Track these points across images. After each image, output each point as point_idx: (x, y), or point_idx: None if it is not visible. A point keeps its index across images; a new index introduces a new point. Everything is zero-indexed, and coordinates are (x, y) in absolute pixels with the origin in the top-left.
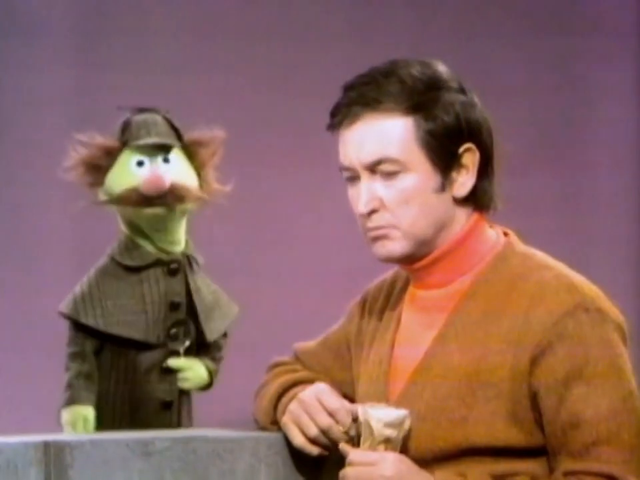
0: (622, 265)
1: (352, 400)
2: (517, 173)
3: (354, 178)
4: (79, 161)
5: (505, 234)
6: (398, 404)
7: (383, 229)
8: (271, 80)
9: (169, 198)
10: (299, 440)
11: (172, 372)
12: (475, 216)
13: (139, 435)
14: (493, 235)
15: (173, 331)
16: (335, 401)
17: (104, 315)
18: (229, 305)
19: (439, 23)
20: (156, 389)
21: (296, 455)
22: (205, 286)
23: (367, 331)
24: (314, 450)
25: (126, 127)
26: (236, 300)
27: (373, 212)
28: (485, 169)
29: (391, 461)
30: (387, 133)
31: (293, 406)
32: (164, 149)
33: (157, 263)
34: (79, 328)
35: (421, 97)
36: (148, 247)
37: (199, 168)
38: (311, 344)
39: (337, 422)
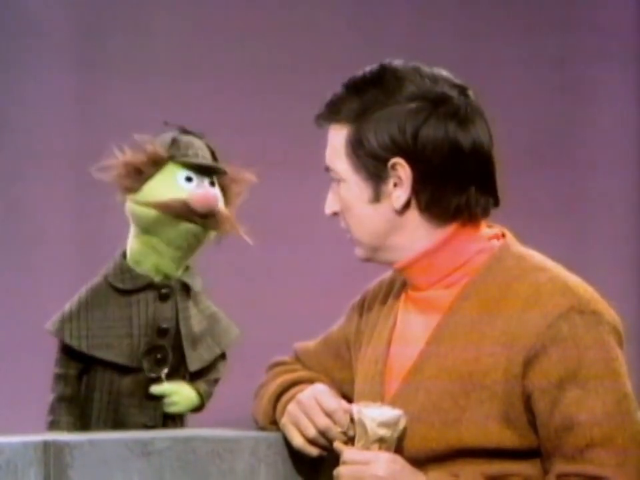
0: (622, 265)
1: (351, 400)
2: (517, 173)
3: None
4: (122, 162)
5: (503, 234)
6: (392, 404)
7: (347, 233)
8: (272, 81)
9: (212, 220)
10: (298, 441)
11: (155, 397)
12: (454, 225)
13: (139, 435)
14: (482, 237)
15: (159, 356)
16: (332, 401)
17: (88, 337)
18: (226, 331)
19: (439, 23)
20: (139, 413)
21: (295, 454)
22: (199, 312)
23: (366, 329)
24: (313, 451)
25: (174, 142)
26: (235, 300)
27: (336, 214)
28: (430, 180)
29: (384, 460)
30: (332, 143)
31: (292, 407)
32: (208, 174)
33: (149, 286)
34: (65, 348)
35: (357, 111)
36: (143, 270)
37: (225, 202)
38: (310, 344)
39: (335, 423)
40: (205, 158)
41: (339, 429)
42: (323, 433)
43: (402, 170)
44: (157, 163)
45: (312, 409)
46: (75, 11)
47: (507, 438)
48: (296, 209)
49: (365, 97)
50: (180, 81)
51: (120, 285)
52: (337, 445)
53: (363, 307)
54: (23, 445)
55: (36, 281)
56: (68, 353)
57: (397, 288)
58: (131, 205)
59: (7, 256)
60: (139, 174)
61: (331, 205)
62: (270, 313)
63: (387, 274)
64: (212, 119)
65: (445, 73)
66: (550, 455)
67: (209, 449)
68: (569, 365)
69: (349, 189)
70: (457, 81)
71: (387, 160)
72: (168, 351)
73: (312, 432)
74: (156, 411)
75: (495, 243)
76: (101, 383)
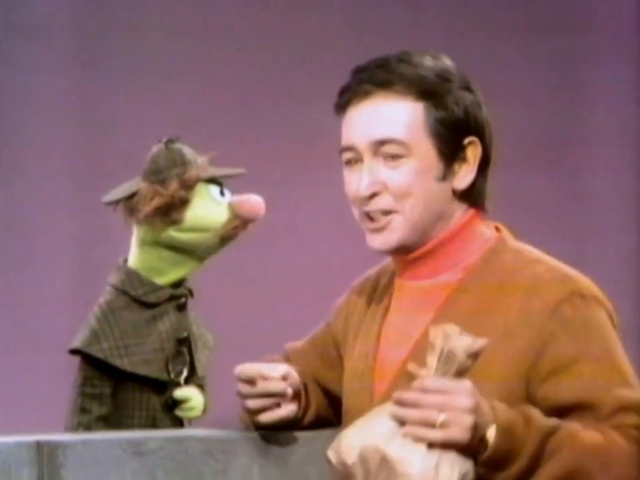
0: (622, 265)
1: (339, 399)
2: (517, 173)
3: (353, 160)
4: (169, 196)
5: (497, 229)
6: (384, 399)
7: (382, 221)
8: (272, 81)
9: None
10: (261, 418)
11: (175, 406)
12: (471, 211)
13: (132, 435)
14: (486, 230)
15: (179, 365)
16: (247, 366)
17: (128, 355)
18: (207, 335)
19: (438, 22)
20: (167, 425)
21: (290, 454)
22: (194, 318)
23: (352, 326)
24: (280, 413)
25: (184, 158)
26: (231, 301)
27: (374, 195)
28: (483, 167)
29: (470, 391)
30: (397, 115)
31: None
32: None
33: (170, 298)
34: (98, 367)
35: (434, 85)
36: (163, 281)
37: None
38: (299, 343)
39: (263, 377)
40: (207, 165)
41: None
42: (259, 395)
43: (474, 149)
44: (192, 187)
45: (241, 386)
46: (75, 11)
47: None
48: (287, 207)
49: (427, 73)
50: (180, 80)
51: (144, 299)
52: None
53: (349, 305)
54: (16, 444)
55: (34, 282)
56: (101, 371)
57: (383, 283)
58: (177, 235)
59: (2, 256)
60: (184, 203)
61: (372, 184)
62: (265, 313)
63: (373, 270)
64: (211, 118)
65: None
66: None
67: (202, 449)
68: (579, 343)
69: (418, 165)
70: None
71: (464, 138)
72: (186, 358)
73: (253, 403)
74: (182, 421)
75: (492, 236)
76: (139, 400)
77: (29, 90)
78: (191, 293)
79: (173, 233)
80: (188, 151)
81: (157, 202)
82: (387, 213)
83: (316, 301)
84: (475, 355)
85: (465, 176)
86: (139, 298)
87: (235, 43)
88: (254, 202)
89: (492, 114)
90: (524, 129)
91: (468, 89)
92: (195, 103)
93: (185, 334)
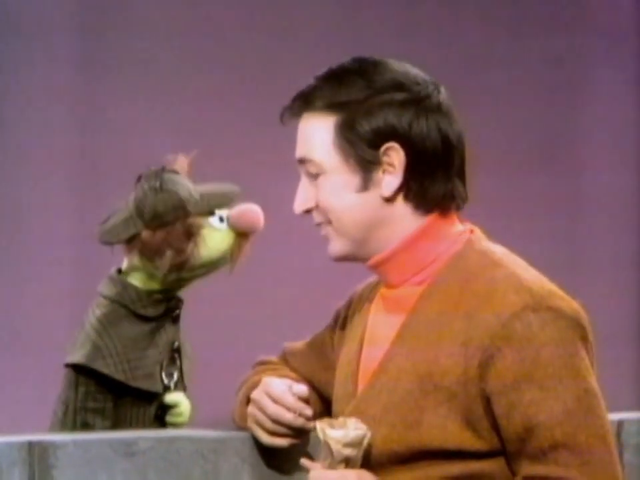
0: (621, 265)
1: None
2: (515, 173)
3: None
4: (172, 265)
5: (472, 231)
6: (357, 406)
7: (323, 232)
8: (269, 83)
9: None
10: (264, 438)
11: (165, 413)
12: (432, 216)
13: (123, 435)
14: (454, 233)
15: (171, 373)
16: (279, 388)
17: (131, 369)
18: (187, 345)
19: (436, 22)
20: None
21: (280, 454)
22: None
23: (347, 331)
24: (282, 442)
25: (181, 198)
26: (226, 301)
27: (308, 211)
28: (421, 168)
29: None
30: (311, 133)
31: (249, 408)
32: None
33: (167, 311)
34: (100, 381)
35: (346, 98)
36: (158, 295)
37: None
38: (299, 344)
39: (289, 408)
40: (195, 190)
41: (289, 416)
42: (277, 421)
43: (395, 155)
44: (198, 231)
45: (263, 401)
46: (75, 11)
47: (467, 439)
48: (281, 205)
49: (347, 85)
50: (180, 81)
51: (143, 312)
52: (303, 461)
53: (349, 309)
54: (7, 445)
55: (28, 283)
56: (103, 385)
57: (375, 290)
58: (190, 274)
59: (4, 256)
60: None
61: (303, 202)
62: (257, 312)
63: (375, 276)
64: (210, 118)
65: (413, 67)
66: (515, 457)
67: (193, 449)
68: (524, 365)
69: (333, 181)
70: (427, 76)
71: (380, 146)
72: (178, 364)
73: (269, 424)
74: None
75: (462, 239)
76: (137, 412)
77: (28, 90)
78: (182, 302)
79: (186, 274)
80: (179, 187)
81: (174, 261)
82: (323, 225)
83: (320, 302)
84: (353, 444)
85: (390, 182)
86: (138, 311)
87: (238, 43)
88: (250, 214)
89: (490, 114)
90: (522, 129)
91: (405, 92)
92: (195, 103)
93: (177, 343)
